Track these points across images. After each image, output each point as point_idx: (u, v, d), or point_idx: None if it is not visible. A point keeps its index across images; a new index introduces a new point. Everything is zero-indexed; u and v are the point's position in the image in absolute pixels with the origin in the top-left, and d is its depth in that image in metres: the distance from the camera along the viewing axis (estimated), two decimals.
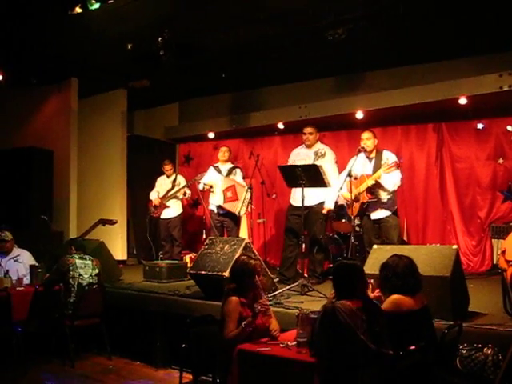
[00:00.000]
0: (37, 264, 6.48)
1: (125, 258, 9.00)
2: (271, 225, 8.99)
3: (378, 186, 5.83)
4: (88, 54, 7.74)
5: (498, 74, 6.70)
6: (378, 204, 5.97)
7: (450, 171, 7.81)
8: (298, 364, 3.30)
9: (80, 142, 8.65)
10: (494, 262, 7.45)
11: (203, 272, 5.56)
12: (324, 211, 6.47)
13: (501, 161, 7.51)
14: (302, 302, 5.21)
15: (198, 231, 9.78)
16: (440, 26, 6.59)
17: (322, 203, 6.45)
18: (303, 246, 5.94)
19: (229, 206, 7.16)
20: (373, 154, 6.10)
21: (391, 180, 5.82)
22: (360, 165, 6.07)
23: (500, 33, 6.64)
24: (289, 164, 6.71)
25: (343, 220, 7.55)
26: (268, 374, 3.45)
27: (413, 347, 3.23)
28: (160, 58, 6.79)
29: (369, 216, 6.06)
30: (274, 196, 8.49)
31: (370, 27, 6.58)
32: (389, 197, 5.95)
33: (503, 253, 4.44)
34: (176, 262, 7.50)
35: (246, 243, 5.62)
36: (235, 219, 7.49)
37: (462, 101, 7.01)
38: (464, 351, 3.84)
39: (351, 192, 5.85)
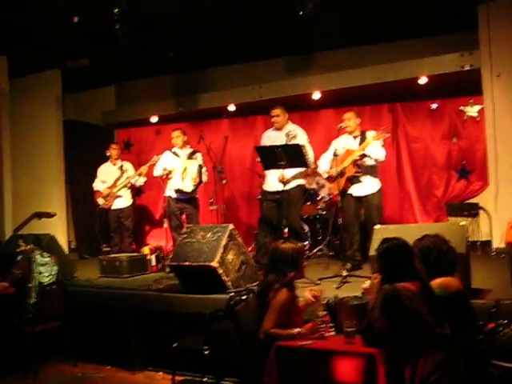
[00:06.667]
0: None
1: (66, 253, 8.23)
2: (222, 211, 8.61)
3: (365, 157, 5.76)
4: (22, 28, 6.91)
5: (459, 53, 6.80)
6: (361, 180, 5.88)
7: (406, 151, 7.88)
8: (357, 356, 3.04)
9: (10, 128, 7.77)
10: None
11: (186, 263, 5.11)
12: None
13: (455, 140, 7.65)
14: None
15: (142, 221, 9.24)
16: (401, 4, 6.54)
17: (299, 186, 6.22)
18: (285, 230, 5.65)
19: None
20: (356, 133, 6.01)
21: (379, 149, 5.80)
22: (341, 144, 5.98)
23: (460, 12, 6.72)
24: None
25: (308, 203, 7.36)
26: (315, 371, 3.15)
27: (492, 325, 3.07)
28: (115, 33, 6.15)
29: (351, 194, 5.94)
30: (224, 181, 8.11)
31: (329, 5, 6.39)
32: (373, 169, 5.91)
33: None
34: (135, 254, 6.94)
35: (231, 230, 5.24)
36: (196, 206, 7.07)
37: (423, 80, 7.06)
38: None
39: (336, 167, 5.74)
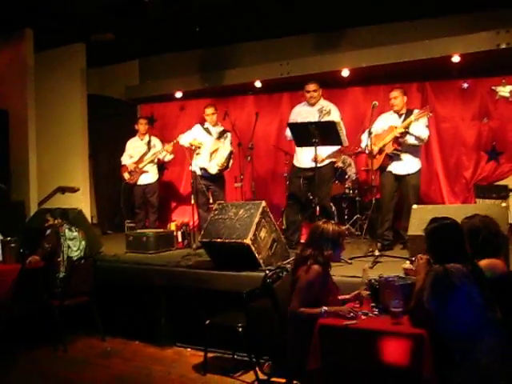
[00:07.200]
0: (8, 238, 5.67)
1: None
2: (252, 188, 8.54)
3: (406, 135, 5.68)
4: (47, 1, 6.79)
5: (494, 31, 6.59)
6: (402, 158, 5.83)
7: (435, 131, 7.67)
8: (405, 336, 2.97)
9: (35, 102, 7.70)
10: None
11: (219, 240, 5.06)
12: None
13: (485, 120, 7.47)
14: None
15: (166, 198, 9.19)
16: None
17: (331, 163, 6.12)
18: (317, 208, 5.58)
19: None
20: (403, 111, 5.93)
21: (422, 128, 5.71)
22: (386, 121, 5.91)
23: None
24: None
25: (335, 182, 7.26)
26: (361, 351, 3.09)
27: None
28: (144, 5, 6.04)
29: (391, 171, 5.85)
30: (248, 158, 8.03)
31: None
32: (415, 148, 5.85)
33: None
34: (162, 230, 6.89)
35: (263, 207, 5.18)
36: (221, 183, 7.01)
37: (456, 59, 6.85)
38: None
39: (375, 145, 5.71)
